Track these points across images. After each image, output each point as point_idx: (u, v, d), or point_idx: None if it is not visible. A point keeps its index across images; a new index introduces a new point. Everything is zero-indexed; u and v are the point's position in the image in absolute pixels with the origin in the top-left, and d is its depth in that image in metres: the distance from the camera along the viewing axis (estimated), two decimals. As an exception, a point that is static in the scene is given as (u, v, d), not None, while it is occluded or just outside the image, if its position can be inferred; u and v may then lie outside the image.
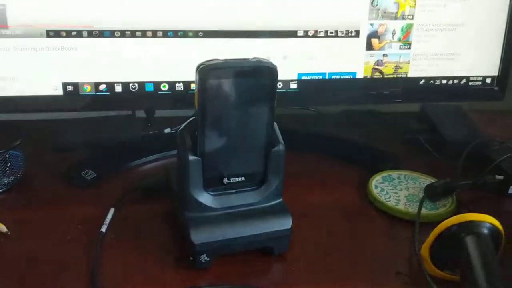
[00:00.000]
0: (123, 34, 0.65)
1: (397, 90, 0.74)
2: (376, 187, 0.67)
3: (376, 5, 0.70)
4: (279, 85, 0.69)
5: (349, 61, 0.72)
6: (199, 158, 0.50)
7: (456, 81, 0.76)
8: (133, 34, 0.65)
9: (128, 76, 0.67)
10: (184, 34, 0.66)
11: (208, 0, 0.65)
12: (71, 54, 0.64)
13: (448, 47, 0.74)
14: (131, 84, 0.67)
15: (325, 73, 0.72)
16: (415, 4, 0.71)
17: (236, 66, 0.48)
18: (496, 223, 0.51)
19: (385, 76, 0.73)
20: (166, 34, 0.66)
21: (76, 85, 0.66)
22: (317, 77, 0.72)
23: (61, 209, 0.62)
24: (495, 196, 0.68)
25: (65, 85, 0.66)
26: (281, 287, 0.52)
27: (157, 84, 0.68)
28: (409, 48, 0.73)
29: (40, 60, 0.64)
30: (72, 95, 0.66)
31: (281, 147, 0.52)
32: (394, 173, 0.70)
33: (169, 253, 0.55)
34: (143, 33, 0.65)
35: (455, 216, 0.51)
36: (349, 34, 0.71)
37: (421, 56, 0.74)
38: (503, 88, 0.77)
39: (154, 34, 0.65)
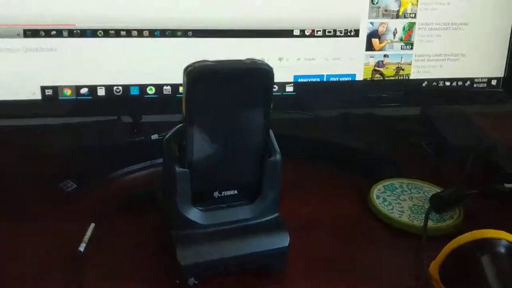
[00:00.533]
0: (106, 33, 0.63)
1: (399, 93, 0.73)
2: (378, 197, 0.64)
3: (377, 3, 0.68)
4: (274, 88, 0.67)
5: (348, 62, 0.70)
6: (187, 170, 0.47)
7: (460, 83, 0.74)
8: (117, 33, 0.63)
9: (111, 79, 0.65)
10: (172, 33, 0.64)
11: (198, -3, 0.64)
12: (50, 55, 0.62)
13: (452, 47, 0.72)
14: (115, 88, 0.65)
15: (322, 75, 0.70)
16: (417, 2, 0.69)
17: (228, 68, 0.45)
18: (514, 240, 0.47)
19: (386, 78, 0.72)
20: (152, 33, 0.64)
21: (55, 89, 0.64)
22: (314, 80, 0.70)
23: (35, 223, 0.58)
24: (505, 206, 0.65)
25: (43, 88, 0.63)
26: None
27: (143, 87, 0.66)
28: (411, 48, 0.71)
29: (16, 62, 0.62)
30: (51, 99, 0.64)
31: (277, 156, 0.49)
32: (396, 182, 0.67)
33: (156, 276, 0.51)
34: (128, 33, 0.63)
35: (468, 233, 0.47)
36: (348, 34, 0.69)
37: (423, 56, 0.72)
38: (509, 90, 0.76)
39: (140, 33, 0.63)
